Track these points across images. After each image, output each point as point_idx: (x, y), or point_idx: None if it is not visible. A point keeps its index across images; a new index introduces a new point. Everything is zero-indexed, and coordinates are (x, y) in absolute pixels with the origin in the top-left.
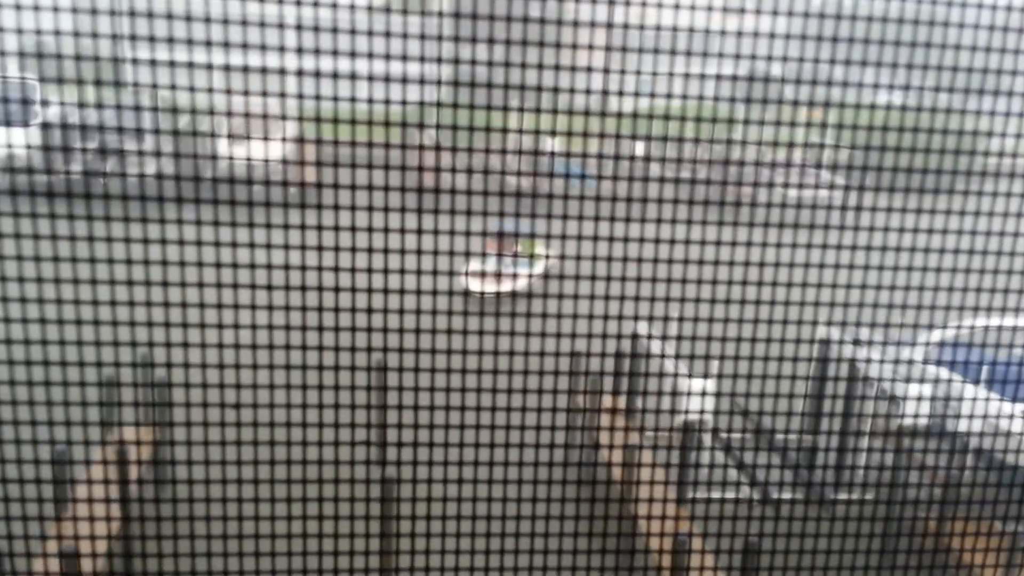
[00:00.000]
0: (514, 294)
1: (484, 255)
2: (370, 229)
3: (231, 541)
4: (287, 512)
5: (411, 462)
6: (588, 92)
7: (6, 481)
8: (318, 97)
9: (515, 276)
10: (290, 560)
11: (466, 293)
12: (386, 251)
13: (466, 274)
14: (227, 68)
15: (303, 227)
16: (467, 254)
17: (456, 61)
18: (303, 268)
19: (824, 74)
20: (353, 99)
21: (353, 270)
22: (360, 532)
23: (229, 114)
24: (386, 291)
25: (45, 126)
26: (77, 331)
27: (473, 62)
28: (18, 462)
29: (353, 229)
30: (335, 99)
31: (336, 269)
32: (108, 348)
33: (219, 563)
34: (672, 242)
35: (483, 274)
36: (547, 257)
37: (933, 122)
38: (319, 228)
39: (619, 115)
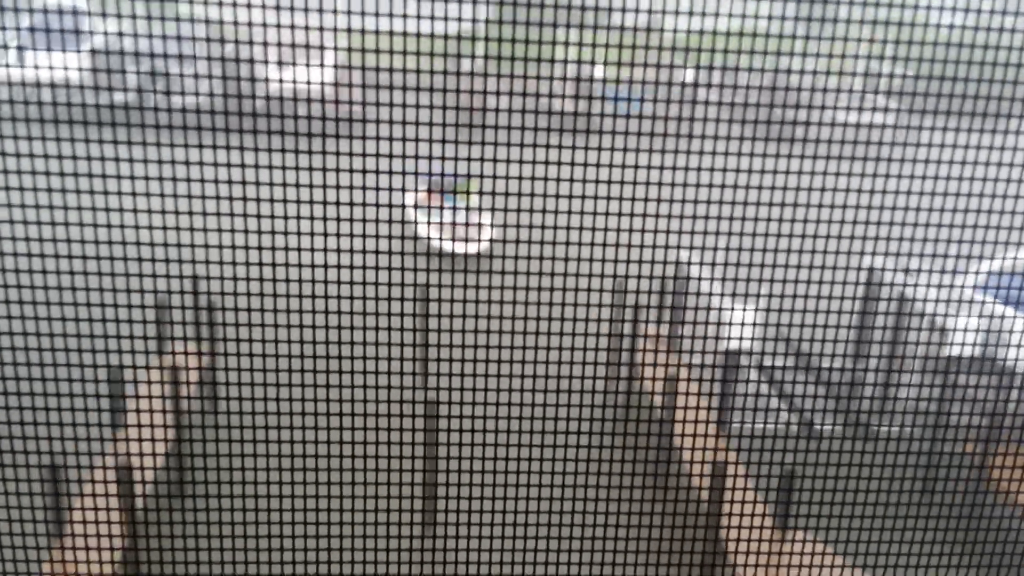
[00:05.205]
0: (479, 255)
1: (420, 209)
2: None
3: (273, 460)
4: (338, 437)
5: (458, 388)
6: (636, 10)
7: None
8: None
9: (480, 227)
10: (341, 475)
11: (440, 254)
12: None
13: (440, 238)
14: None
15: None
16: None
17: None
18: (338, 204)
19: None
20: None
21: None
22: (407, 455)
23: (265, 44)
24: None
25: (94, 52)
26: (124, 252)
27: None
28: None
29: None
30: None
31: (377, 205)
32: (160, 269)
33: (263, 476)
34: (715, 161)
35: (453, 230)
36: (467, 192)
37: (999, 42)
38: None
39: (671, 30)
